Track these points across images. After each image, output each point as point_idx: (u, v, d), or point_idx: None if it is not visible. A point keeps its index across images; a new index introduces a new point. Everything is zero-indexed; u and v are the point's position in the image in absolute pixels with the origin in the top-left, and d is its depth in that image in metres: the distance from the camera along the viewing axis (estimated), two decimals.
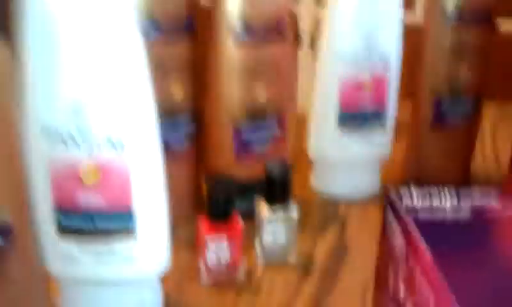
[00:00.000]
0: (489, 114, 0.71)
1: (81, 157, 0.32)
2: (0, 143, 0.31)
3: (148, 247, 0.36)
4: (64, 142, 0.32)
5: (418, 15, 1.56)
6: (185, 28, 0.44)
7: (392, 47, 0.49)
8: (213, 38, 0.44)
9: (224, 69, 0.44)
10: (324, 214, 0.52)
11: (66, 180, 0.33)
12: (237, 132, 0.46)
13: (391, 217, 0.33)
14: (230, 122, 0.46)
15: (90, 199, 0.34)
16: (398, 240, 0.31)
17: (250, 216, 0.44)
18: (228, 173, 0.47)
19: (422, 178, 0.55)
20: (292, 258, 0.45)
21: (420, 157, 0.55)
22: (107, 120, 0.32)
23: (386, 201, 0.34)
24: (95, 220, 0.34)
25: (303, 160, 0.54)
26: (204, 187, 0.50)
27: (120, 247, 0.35)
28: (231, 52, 0.44)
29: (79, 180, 0.33)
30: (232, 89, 0.45)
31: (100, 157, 0.32)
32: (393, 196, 0.33)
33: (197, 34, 0.45)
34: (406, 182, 0.56)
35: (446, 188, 0.35)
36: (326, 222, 0.50)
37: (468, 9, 0.49)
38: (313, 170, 0.55)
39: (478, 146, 0.59)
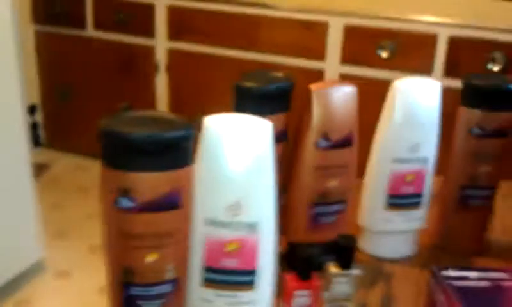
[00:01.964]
0: (499, 191, 0.87)
1: (227, 234, 0.49)
2: (181, 228, 0.47)
3: (262, 295, 0.52)
4: (218, 226, 0.48)
5: (437, 76, 1.72)
6: (281, 138, 0.61)
7: (430, 151, 0.66)
8: (300, 145, 0.61)
9: (306, 166, 0.61)
10: (372, 271, 0.67)
11: (214, 249, 0.49)
12: (311, 209, 0.62)
13: (434, 283, 0.48)
14: (307, 202, 0.62)
15: (228, 262, 0.50)
16: (440, 301, 0.47)
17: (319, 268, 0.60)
18: (302, 239, 0.63)
19: (448, 245, 0.71)
20: (352, 305, 0.60)
21: (447, 230, 0.71)
22: (248, 212, 0.48)
23: (431, 272, 0.49)
24: (230, 275, 0.50)
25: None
26: (284, 248, 0.66)
27: (244, 294, 0.51)
28: (311, 154, 0.61)
29: (223, 249, 0.49)
30: (309, 180, 0.62)
31: (239, 234, 0.49)
32: (435, 268, 0.49)
33: (288, 141, 0.62)
34: (436, 247, 0.72)
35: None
36: (375, 277, 0.66)
37: (488, 128, 0.66)
38: (361, 236, 0.71)
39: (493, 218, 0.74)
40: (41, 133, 2.61)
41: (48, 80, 2.51)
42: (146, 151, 0.44)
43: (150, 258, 0.46)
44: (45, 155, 2.54)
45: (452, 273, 0.48)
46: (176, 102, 2.22)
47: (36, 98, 2.54)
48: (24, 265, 1.63)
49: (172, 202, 0.46)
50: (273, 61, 1.99)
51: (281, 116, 0.61)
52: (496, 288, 0.47)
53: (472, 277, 0.48)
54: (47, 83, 2.52)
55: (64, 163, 2.47)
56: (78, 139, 2.48)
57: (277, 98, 0.61)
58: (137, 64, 2.26)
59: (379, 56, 1.84)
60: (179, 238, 0.47)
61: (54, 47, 2.43)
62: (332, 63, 1.93)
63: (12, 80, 1.51)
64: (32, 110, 2.55)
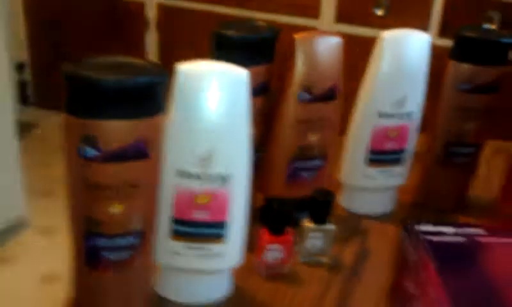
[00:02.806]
0: (487, 149, 0.86)
1: (198, 186, 0.47)
2: (149, 180, 0.46)
3: (233, 248, 0.51)
4: (189, 177, 0.47)
5: (433, 36, 1.70)
6: (262, 90, 0.59)
7: (416, 106, 0.64)
8: (281, 97, 0.59)
9: (287, 120, 0.59)
10: (350, 227, 0.66)
11: (185, 201, 0.48)
12: (290, 164, 0.61)
13: (407, 236, 0.47)
14: (286, 157, 0.61)
15: (199, 214, 0.48)
16: (411, 253, 0.46)
17: (296, 224, 0.59)
18: (280, 194, 0.62)
19: (428, 203, 0.70)
20: (327, 260, 0.60)
21: (428, 186, 0.70)
22: (220, 164, 0.47)
23: (404, 225, 0.48)
24: (200, 228, 0.49)
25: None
26: (262, 203, 0.65)
27: (215, 247, 0.50)
28: (293, 108, 0.59)
29: (194, 201, 0.48)
30: (290, 134, 0.60)
31: (211, 186, 0.47)
32: (409, 222, 0.48)
33: (270, 93, 0.60)
34: (415, 204, 0.71)
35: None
36: (352, 233, 0.65)
37: (477, 83, 0.64)
38: (342, 191, 0.70)
39: (476, 176, 0.73)
40: (30, 92, 2.57)
41: (37, 39, 2.46)
42: (113, 98, 0.42)
43: (116, 209, 0.44)
44: (34, 113, 2.51)
45: (426, 228, 0.47)
46: (167, 59, 2.18)
47: (25, 57, 2.50)
48: (8, 222, 1.63)
49: (139, 152, 0.44)
50: (266, 19, 1.94)
51: (263, 68, 0.58)
52: (472, 244, 0.46)
53: (448, 233, 0.47)
54: (36, 42, 2.47)
55: (52, 122, 2.44)
56: None
57: (259, 49, 0.58)
58: (127, 21, 2.21)
59: (375, 14, 1.80)
60: (147, 190, 0.45)
61: (42, 5, 2.37)
62: (327, 22, 1.89)
63: None
64: (20, 68, 2.50)
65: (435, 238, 0.46)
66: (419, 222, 0.48)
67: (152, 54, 2.20)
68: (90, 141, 0.42)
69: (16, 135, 1.60)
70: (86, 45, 2.32)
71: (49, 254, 1.60)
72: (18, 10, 2.40)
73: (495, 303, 0.40)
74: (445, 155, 0.68)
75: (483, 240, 0.47)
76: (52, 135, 2.34)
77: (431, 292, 0.42)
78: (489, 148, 0.87)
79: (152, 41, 2.19)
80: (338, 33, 0.60)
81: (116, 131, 0.43)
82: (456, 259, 0.45)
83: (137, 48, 2.21)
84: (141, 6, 2.15)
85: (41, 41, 2.45)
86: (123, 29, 2.23)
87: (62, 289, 1.57)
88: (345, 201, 0.69)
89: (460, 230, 0.48)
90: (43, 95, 2.55)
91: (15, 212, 1.66)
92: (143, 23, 2.17)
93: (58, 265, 1.53)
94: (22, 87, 2.53)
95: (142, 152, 0.44)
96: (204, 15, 2.05)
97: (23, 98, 2.53)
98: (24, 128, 2.29)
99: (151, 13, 2.15)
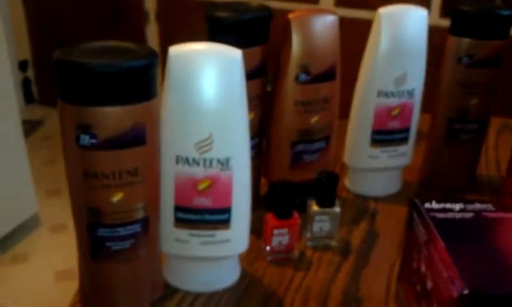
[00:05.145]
0: (493, 127, 0.84)
1: (198, 172, 0.46)
2: (148, 166, 0.45)
3: (238, 233, 0.50)
4: (188, 163, 0.46)
5: (434, 17, 1.68)
6: (259, 73, 0.58)
7: (417, 83, 0.63)
8: (279, 79, 0.58)
9: (286, 102, 0.58)
10: (357, 209, 0.65)
11: (186, 187, 0.47)
12: (293, 148, 0.60)
13: (415, 215, 0.46)
14: (288, 140, 0.60)
15: (201, 201, 0.48)
16: (421, 232, 0.45)
17: (302, 208, 0.58)
18: (284, 178, 0.61)
19: (434, 182, 0.69)
20: (334, 243, 0.59)
21: (434, 165, 0.69)
22: (219, 148, 0.46)
23: (411, 203, 0.47)
24: (203, 214, 0.48)
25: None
26: (267, 189, 0.64)
27: (219, 233, 0.49)
28: (292, 90, 0.58)
29: (195, 187, 0.47)
30: (290, 117, 0.59)
31: (211, 171, 0.46)
32: (417, 200, 0.47)
33: (267, 76, 0.59)
34: (421, 184, 0.70)
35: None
36: (359, 215, 0.64)
37: (478, 57, 0.63)
38: (347, 174, 0.69)
39: (483, 154, 0.72)
40: (34, 89, 2.57)
41: (39, 35, 2.45)
42: (106, 83, 0.41)
43: (116, 197, 0.44)
44: (39, 111, 2.51)
45: (434, 206, 0.46)
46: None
47: (27, 54, 2.49)
48: (20, 220, 1.64)
49: (137, 138, 0.43)
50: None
51: (258, 50, 0.57)
52: (479, 219, 0.45)
53: (456, 210, 0.46)
54: (37, 38, 2.46)
55: (57, 119, 2.43)
56: None
57: (252, 30, 0.57)
58: (127, 14, 2.20)
59: None
60: (146, 176, 0.45)
61: (42, 1, 2.36)
62: (327, 6, 1.87)
63: None
64: (23, 66, 2.50)
65: (443, 215, 0.45)
66: (427, 200, 0.47)
67: (153, 46, 2.20)
68: (86, 128, 0.42)
69: (23, 134, 1.60)
70: (87, 39, 2.32)
71: (61, 252, 1.60)
72: (18, 9, 2.39)
73: (506, 278, 0.39)
74: (449, 132, 0.66)
75: (491, 215, 0.46)
76: (58, 132, 2.33)
77: (442, 271, 0.41)
78: (496, 125, 0.86)
79: (152, 33, 2.18)
80: (340, 19, 0.59)
81: (111, 117, 0.42)
82: (464, 236, 0.44)
83: (139, 40, 2.20)
84: None
85: (42, 37, 2.44)
86: (123, 22, 2.22)
87: (75, 285, 1.57)
88: (351, 183, 0.68)
89: (468, 206, 0.47)
90: (47, 92, 2.55)
91: (27, 210, 1.67)
92: (142, 15, 2.16)
93: (71, 261, 1.54)
94: (25, 85, 2.53)
95: (139, 138, 0.43)
96: (204, 4, 2.04)
97: (27, 96, 2.54)
98: (30, 126, 2.29)
99: (150, 5, 2.13)
